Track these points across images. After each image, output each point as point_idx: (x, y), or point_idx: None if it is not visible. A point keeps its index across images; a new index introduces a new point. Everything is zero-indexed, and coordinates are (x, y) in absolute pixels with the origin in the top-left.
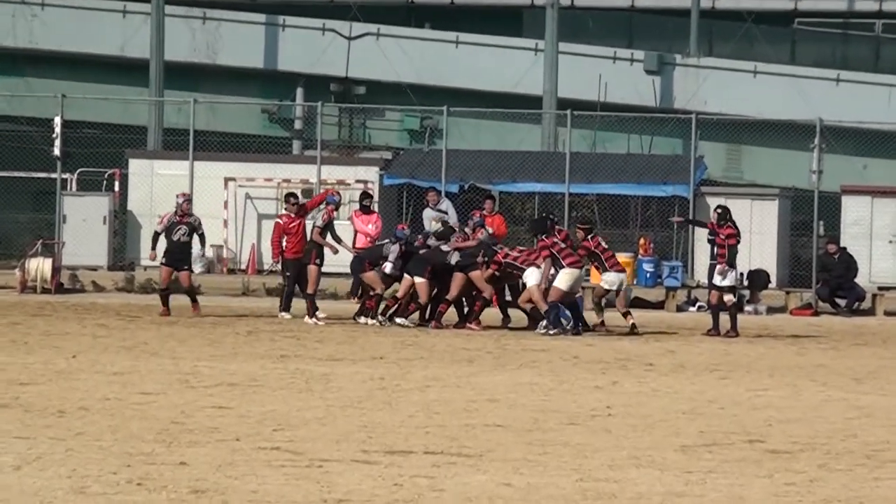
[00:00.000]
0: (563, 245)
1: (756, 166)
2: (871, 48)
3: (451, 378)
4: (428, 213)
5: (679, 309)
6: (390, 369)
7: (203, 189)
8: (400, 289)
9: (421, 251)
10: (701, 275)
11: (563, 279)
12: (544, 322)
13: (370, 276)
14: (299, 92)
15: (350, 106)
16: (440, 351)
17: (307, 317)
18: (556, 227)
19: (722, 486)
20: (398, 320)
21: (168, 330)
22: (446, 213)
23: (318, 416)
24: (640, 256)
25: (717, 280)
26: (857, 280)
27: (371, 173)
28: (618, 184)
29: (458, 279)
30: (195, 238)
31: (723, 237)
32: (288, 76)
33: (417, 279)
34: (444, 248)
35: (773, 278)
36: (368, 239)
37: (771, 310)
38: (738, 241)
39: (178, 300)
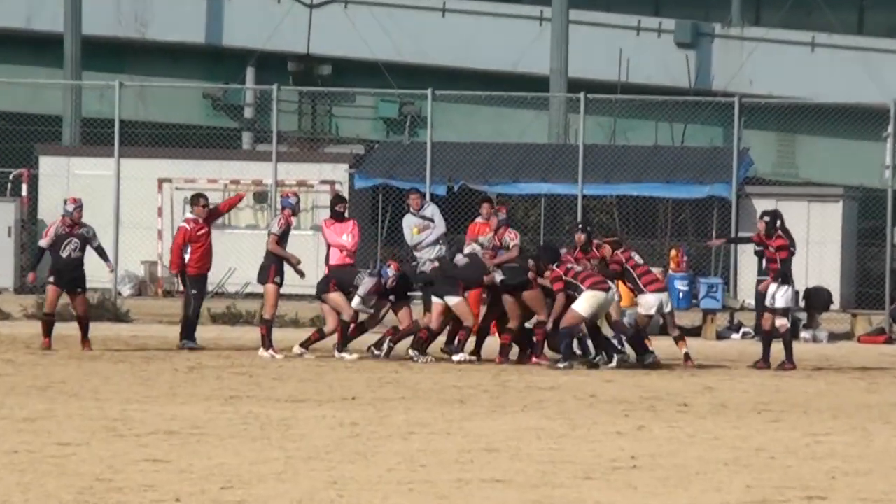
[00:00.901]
0: (578, 268)
1: (814, 161)
2: None
3: (440, 423)
4: (409, 221)
5: (720, 336)
6: (365, 412)
7: (132, 193)
8: (433, 320)
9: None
10: (746, 294)
11: (585, 303)
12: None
13: (334, 298)
14: (250, 73)
15: (313, 89)
16: (425, 389)
17: (262, 349)
18: (593, 241)
19: None
20: (456, 357)
21: (90, 366)
22: (432, 220)
23: (276, 471)
24: (670, 272)
25: (769, 301)
26: None
27: (339, 172)
28: (643, 183)
29: (511, 305)
30: (89, 253)
31: (773, 249)
32: (235, 54)
33: (452, 300)
34: (461, 259)
35: (836, 297)
36: (345, 253)
37: (833, 336)
38: (793, 254)
39: (67, 328)
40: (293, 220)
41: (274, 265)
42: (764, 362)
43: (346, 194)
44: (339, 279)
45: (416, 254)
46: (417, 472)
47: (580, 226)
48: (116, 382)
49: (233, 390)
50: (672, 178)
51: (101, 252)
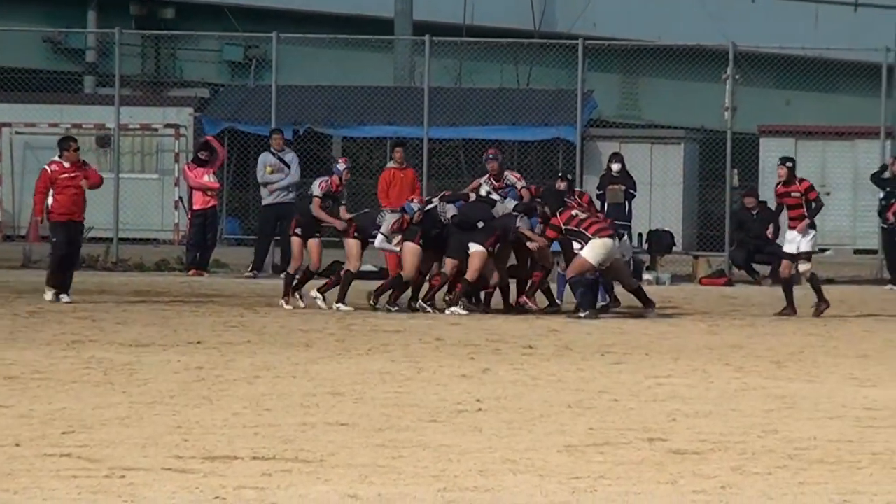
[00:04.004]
0: (583, 215)
1: (657, 103)
2: None
3: (285, 366)
4: (266, 158)
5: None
6: (210, 357)
7: None
8: (471, 271)
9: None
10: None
11: (593, 251)
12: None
13: (351, 244)
14: (91, 16)
15: (155, 33)
16: (271, 333)
17: (315, 295)
18: (575, 189)
19: (615, 494)
20: (452, 309)
21: None
22: (289, 165)
23: (119, 416)
24: None
25: (792, 246)
26: (779, 242)
27: (183, 116)
28: (489, 126)
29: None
30: None
31: (798, 195)
32: None
33: (476, 246)
34: (499, 206)
35: (679, 240)
36: (212, 193)
37: (675, 278)
38: (633, 196)
39: None
40: (340, 188)
41: (295, 218)
42: (791, 309)
43: (190, 138)
44: (359, 224)
45: (262, 193)
46: (263, 415)
47: (560, 175)
48: None
49: (75, 335)
50: (518, 121)
51: None
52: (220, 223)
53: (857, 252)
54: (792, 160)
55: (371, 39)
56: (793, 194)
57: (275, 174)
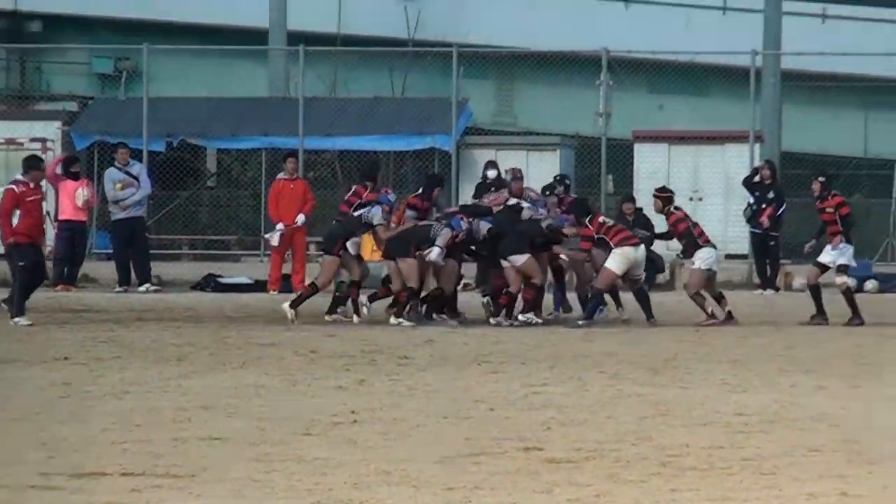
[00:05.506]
0: (609, 222)
1: (532, 110)
2: None
3: (156, 381)
4: (113, 175)
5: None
6: (77, 372)
7: None
8: (512, 282)
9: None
10: None
11: (616, 261)
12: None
13: (409, 264)
14: None
15: (22, 46)
16: (142, 348)
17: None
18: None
19: None
20: (522, 318)
21: None
22: (137, 178)
23: None
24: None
25: (830, 258)
26: (653, 248)
27: (51, 130)
28: (364, 136)
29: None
30: None
31: (831, 210)
32: None
33: (519, 258)
34: (527, 210)
35: None
36: (82, 207)
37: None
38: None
39: None
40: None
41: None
42: (821, 317)
43: (58, 152)
44: (416, 239)
45: (113, 210)
46: (132, 431)
47: (557, 178)
48: None
49: None
50: (393, 131)
51: None
52: (89, 237)
53: (728, 257)
54: (825, 174)
55: (244, 50)
56: (827, 210)
57: (126, 189)
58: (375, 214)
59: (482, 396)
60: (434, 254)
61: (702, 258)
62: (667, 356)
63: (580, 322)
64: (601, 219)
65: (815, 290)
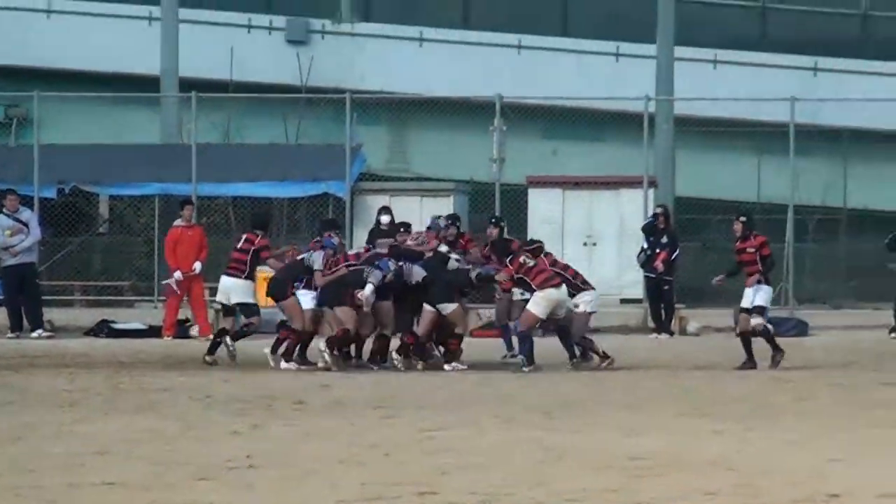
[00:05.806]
0: (530, 262)
1: (426, 156)
2: (557, 5)
3: (50, 427)
4: (2, 221)
5: None
6: None
7: None
8: (422, 326)
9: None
10: None
11: (539, 303)
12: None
13: (344, 311)
14: None
15: None
16: (35, 393)
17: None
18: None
19: None
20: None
21: None
22: (27, 225)
23: None
24: None
25: (748, 301)
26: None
27: None
28: (257, 183)
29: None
30: None
31: (752, 251)
32: None
33: (449, 307)
34: (454, 261)
35: None
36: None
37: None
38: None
39: None
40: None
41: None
42: (751, 363)
43: None
44: (353, 282)
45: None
46: (25, 476)
47: (493, 220)
48: None
49: None
50: (287, 177)
51: None
52: None
53: (623, 301)
54: (746, 215)
55: (137, 97)
56: (748, 250)
57: (15, 236)
58: (316, 260)
59: (378, 441)
60: (367, 291)
61: (585, 301)
62: (562, 400)
63: (525, 369)
64: (521, 258)
65: (745, 337)
